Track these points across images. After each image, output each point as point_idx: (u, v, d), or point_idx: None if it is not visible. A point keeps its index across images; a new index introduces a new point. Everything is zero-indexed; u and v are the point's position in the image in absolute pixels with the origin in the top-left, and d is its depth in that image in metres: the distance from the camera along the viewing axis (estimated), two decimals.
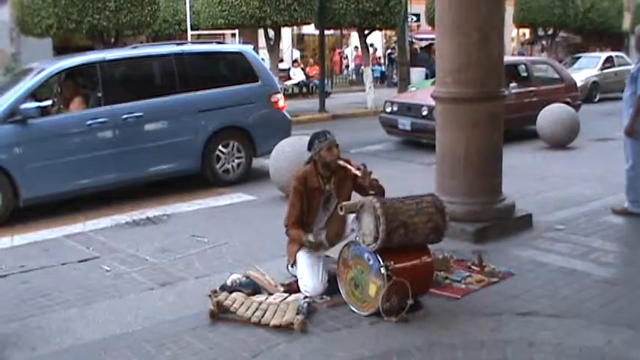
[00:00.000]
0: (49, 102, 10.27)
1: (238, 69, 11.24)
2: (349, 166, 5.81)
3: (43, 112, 9.58)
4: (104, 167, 9.54)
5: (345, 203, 5.63)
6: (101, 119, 9.48)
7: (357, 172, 5.76)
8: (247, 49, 11.88)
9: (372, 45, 33.77)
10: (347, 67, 36.94)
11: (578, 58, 26.59)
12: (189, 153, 10.40)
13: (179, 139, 10.26)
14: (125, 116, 9.67)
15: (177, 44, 11.65)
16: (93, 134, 9.48)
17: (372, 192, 5.74)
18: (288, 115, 11.85)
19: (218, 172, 10.75)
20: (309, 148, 5.91)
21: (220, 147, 10.71)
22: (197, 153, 10.47)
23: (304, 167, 6.00)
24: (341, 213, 5.60)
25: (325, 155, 5.80)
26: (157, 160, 10.09)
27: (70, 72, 10.05)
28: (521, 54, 30.17)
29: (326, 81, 24.27)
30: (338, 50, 35.13)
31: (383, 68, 35.40)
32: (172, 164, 10.28)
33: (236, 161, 10.93)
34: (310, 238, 5.77)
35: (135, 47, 11.28)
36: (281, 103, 11.59)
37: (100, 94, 9.75)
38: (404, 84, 23.10)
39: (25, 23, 17.57)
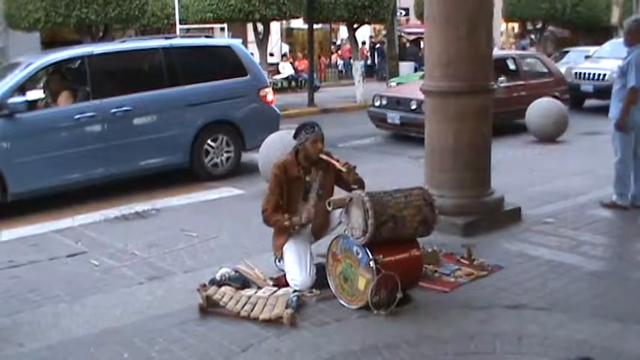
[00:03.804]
0: (36, 96, 10.22)
1: (227, 63, 11.19)
2: (332, 161, 5.80)
3: (31, 106, 9.53)
4: (93, 162, 9.51)
5: (332, 199, 5.63)
6: (89, 113, 9.46)
7: (342, 168, 5.75)
8: (236, 43, 11.85)
9: (363, 42, 33.86)
10: (339, 56, 36.80)
11: (567, 52, 26.61)
12: (178, 147, 10.38)
13: (168, 133, 10.22)
14: (113, 110, 9.64)
15: (166, 38, 11.61)
16: (81, 128, 9.46)
17: (354, 186, 5.73)
18: (277, 110, 11.84)
19: (207, 166, 10.74)
20: (295, 137, 5.90)
21: (209, 141, 10.70)
22: (186, 147, 10.45)
23: (285, 156, 6.00)
24: (329, 209, 5.61)
25: (309, 147, 5.80)
26: (145, 154, 10.06)
27: (58, 66, 10.03)
28: (523, 48, 30.02)
29: (315, 75, 24.26)
30: (322, 58, 34.80)
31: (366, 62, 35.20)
32: (161, 158, 10.26)
33: (225, 155, 10.91)
34: (295, 219, 5.79)
35: (123, 41, 11.24)
36: (270, 97, 11.57)
37: (88, 88, 9.70)
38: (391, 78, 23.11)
39: (12, 17, 17.47)
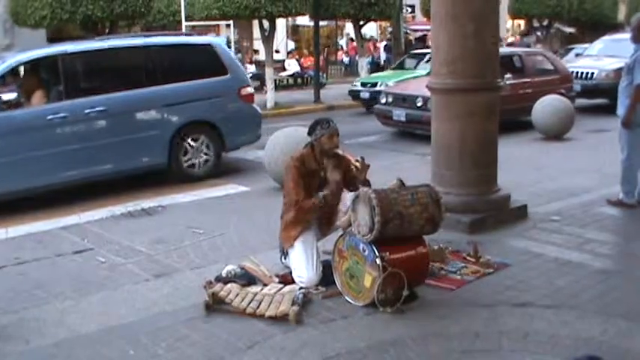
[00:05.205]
0: (9, 95, 9.99)
1: (207, 62, 10.87)
2: (349, 156, 5.82)
3: (2, 106, 9.38)
4: (66, 164, 9.31)
5: (338, 223, 5.61)
6: (62, 114, 9.26)
7: (356, 164, 5.77)
8: (216, 41, 11.62)
9: (371, 37, 33.81)
10: (346, 53, 36.74)
11: (571, 49, 26.52)
12: (155, 148, 10.16)
13: (144, 134, 10.02)
14: (87, 111, 9.43)
15: (145, 36, 11.38)
16: (53, 129, 9.24)
17: (360, 185, 5.73)
18: (258, 109, 11.58)
19: (185, 168, 10.53)
20: (310, 133, 5.89)
21: (187, 142, 10.49)
22: (163, 148, 10.23)
23: (302, 150, 5.99)
24: (338, 224, 5.61)
25: (325, 142, 5.79)
26: (121, 155, 9.82)
27: (32, 65, 9.83)
28: (527, 46, 30.00)
29: (320, 72, 24.25)
30: (322, 56, 34.74)
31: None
32: (137, 160, 10.05)
33: (203, 157, 10.69)
34: (325, 194, 5.77)
35: (100, 39, 10.94)
36: (250, 97, 11.27)
37: (61, 88, 9.51)
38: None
39: (18, 14, 17.52)
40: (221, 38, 13.05)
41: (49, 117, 9.19)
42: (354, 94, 19.62)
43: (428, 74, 16.54)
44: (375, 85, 18.70)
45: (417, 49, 29.61)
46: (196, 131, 10.60)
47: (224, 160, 11.71)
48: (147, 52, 10.44)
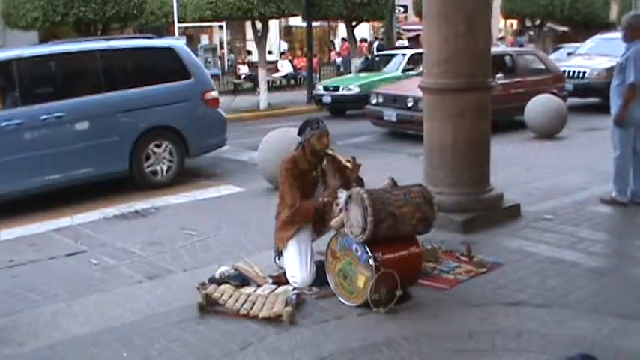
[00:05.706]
0: None
1: (169, 65, 10.64)
2: (339, 157, 5.82)
3: None
4: (23, 172, 9.07)
5: (332, 222, 5.61)
6: (17, 120, 9.01)
7: (347, 164, 5.77)
8: (178, 44, 11.40)
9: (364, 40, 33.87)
10: (338, 54, 36.80)
11: (559, 48, 26.60)
12: (116, 155, 9.91)
13: (104, 140, 9.73)
14: (44, 117, 9.20)
15: (105, 40, 11.14)
16: (8, 137, 8.96)
17: (354, 184, 5.73)
18: (223, 113, 11.36)
19: (147, 175, 10.31)
20: (300, 134, 5.90)
21: (150, 148, 10.26)
22: (124, 155, 9.97)
23: (293, 152, 5.99)
24: (331, 225, 5.61)
25: (315, 143, 5.79)
26: (81, 163, 9.55)
27: None
28: (520, 46, 30.09)
29: (314, 73, 24.26)
30: (316, 59, 34.90)
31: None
32: (98, 167, 9.74)
33: (166, 163, 10.45)
34: (325, 197, 5.78)
35: (56, 44, 10.60)
36: (215, 101, 11.08)
37: (16, 94, 9.26)
38: None
39: (10, 16, 17.48)
40: (181, 41, 12.86)
41: (4, 124, 8.93)
42: (317, 99, 19.18)
43: (391, 78, 16.91)
44: (337, 88, 18.46)
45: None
46: (159, 137, 10.36)
47: (218, 162, 11.74)
48: (105, 56, 10.13)
